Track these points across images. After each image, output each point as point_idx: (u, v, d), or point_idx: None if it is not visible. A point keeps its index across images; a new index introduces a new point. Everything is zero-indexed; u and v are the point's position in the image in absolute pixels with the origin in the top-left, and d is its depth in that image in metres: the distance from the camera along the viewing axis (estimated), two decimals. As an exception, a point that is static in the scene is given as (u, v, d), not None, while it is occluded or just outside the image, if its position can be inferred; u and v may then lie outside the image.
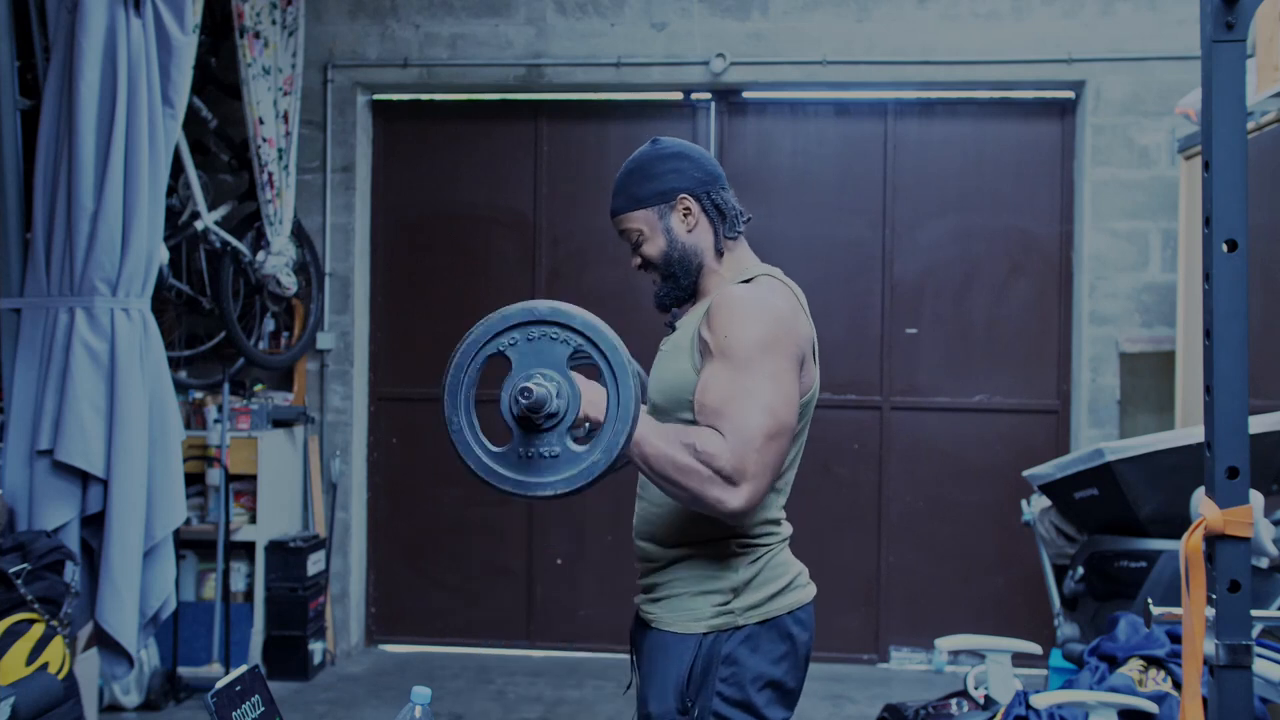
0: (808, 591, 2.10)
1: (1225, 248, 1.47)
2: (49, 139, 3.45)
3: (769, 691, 2.00)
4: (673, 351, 2.06)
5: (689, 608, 2.01)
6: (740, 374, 1.91)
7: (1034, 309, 5.57)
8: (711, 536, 2.01)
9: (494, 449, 1.73)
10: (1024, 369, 5.57)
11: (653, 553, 2.07)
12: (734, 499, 1.86)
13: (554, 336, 1.69)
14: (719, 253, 2.11)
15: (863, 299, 5.62)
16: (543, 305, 1.70)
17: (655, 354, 2.14)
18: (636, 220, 2.11)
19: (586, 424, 1.81)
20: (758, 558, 2.02)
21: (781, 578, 2.04)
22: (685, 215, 2.09)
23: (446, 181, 5.85)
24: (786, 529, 2.11)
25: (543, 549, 5.80)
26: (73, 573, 3.20)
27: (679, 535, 2.03)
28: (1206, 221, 1.49)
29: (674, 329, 2.12)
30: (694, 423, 1.96)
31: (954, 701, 3.06)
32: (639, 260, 2.14)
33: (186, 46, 3.68)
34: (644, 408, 2.12)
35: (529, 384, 1.67)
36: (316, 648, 5.35)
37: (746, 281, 2.04)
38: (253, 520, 5.24)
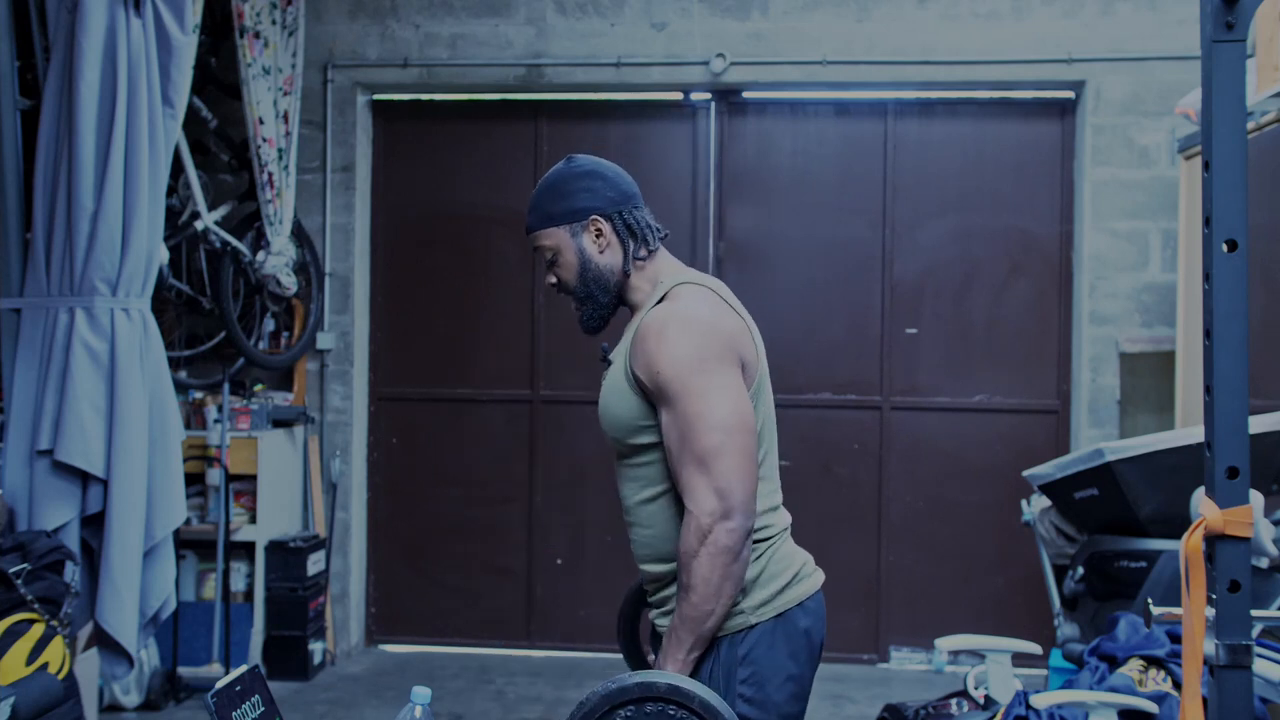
0: (815, 580, 2.10)
1: (1225, 248, 1.47)
2: (49, 139, 3.45)
3: (789, 686, 2.01)
4: (612, 387, 2.07)
5: None
6: (682, 403, 1.93)
7: (1034, 309, 5.57)
8: None
9: None
10: (1024, 369, 5.57)
11: (657, 571, 2.08)
12: (738, 520, 1.90)
13: (671, 714, 1.64)
14: (626, 273, 2.11)
15: (863, 299, 5.62)
16: (661, 681, 1.65)
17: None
18: (550, 238, 2.11)
19: None
20: (760, 554, 2.02)
21: (787, 570, 2.05)
22: (597, 235, 2.10)
23: (446, 181, 5.85)
24: (785, 518, 2.11)
25: (543, 549, 5.80)
26: (73, 573, 3.20)
27: (674, 549, 2.03)
28: (1206, 221, 1.49)
29: (608, 362, 2.12)
30: (645, 449, 2.01)
31: (954, 701, 3.06)
32: (553, 280, 2.15)
33: (186, 46, 3.68)
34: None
35: None
36: (316, 648, 5.34)
37: (662, 300, 2.04)
38: (253, 520, 5.24)
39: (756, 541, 2.02)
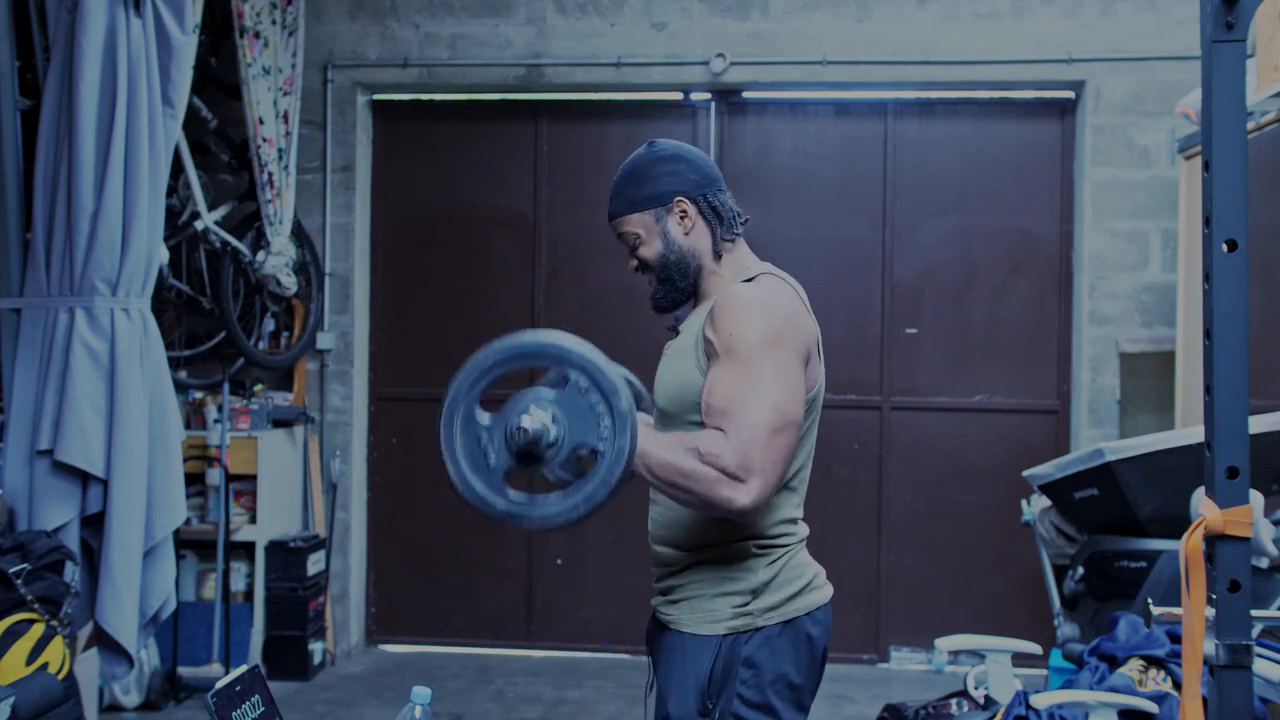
0: (825, 592, 2.09)
1: (1225, 248, 1.47)
2: (49, 139, 3.45)
3: (788, 693, 2.01)
4: (676, 355, 2.06)
5: (708, 609, 2.01)
6: (745, 372, 1.90)
7: (1034, 309, 5.57)
8: (730, 538, 2.01)
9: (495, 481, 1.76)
10: (1024, 369, 5.57)
11: (670, 556, 2.07)
12: (743, 496, 1.85)
13: (582, 386, 1.74)
14: (717, 255, 2.10)
15: (863, 299, 5.62)
16: (524, 339, 1.74)
17: (659, 357, 2.13)
18: (633, 224, 2.10)
19: (584, 449, 1.80)
20: (776, 559, 2.02)
21: (800, 578, 2.04)
22: (682, 218, 2.08)
23: (446, 181, 5.85)
24: (803, 529, 2.11)
25: (543, 549, 5.80)
26: (73, 573, 3.20)
27: (697, 537, 2.03)
28: (1206, 221, 1.49)
29: (677, 332, 2.11)
30: (700, 425, 1.95)
31: (954, 701, 3.06)
32: (635, 263, 2.13)
33: (186, 46, 3.68)
34: (647, 418, 2.12)
35: (522, 422, 1.73)
36: (316, 648, 5.34)
37: (749, 280, 2.03)
38: (253, 520, 5.24)
39: (774, 548, 2.02)
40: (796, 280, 2.12)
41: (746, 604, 1.99)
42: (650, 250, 2.10)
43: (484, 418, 1.79)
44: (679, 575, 2.05)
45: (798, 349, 1.97)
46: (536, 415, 1.75)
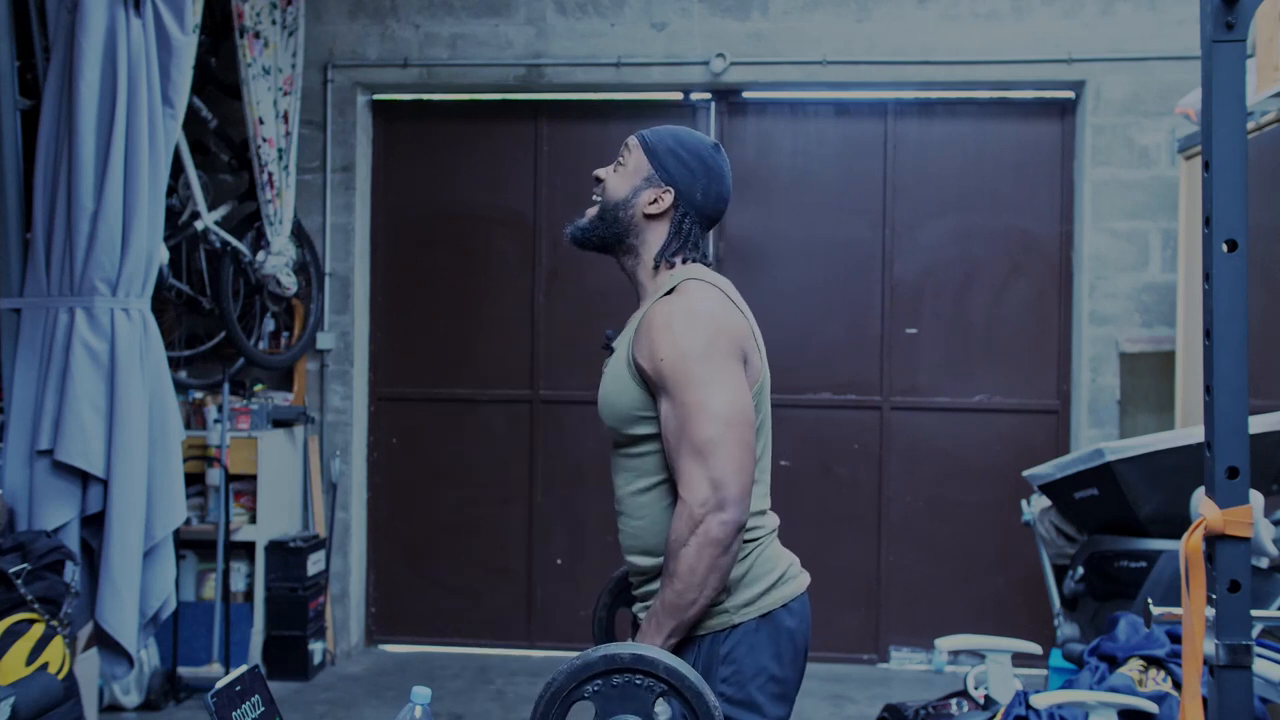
0: (800, 582, 2.09)
1: (1225, 248, 1.47)
2: (49, 139, 3.45)
3: (771, 687, 2.00)
4: (612, 372, 2.07)
5: None
6: (683, 393, 1.93)
7: (1034, 309, 5.57)
8: None
9: None
10: (1024, 369, 5.57)
11: (643, 564, 2.07)
12: (730, 513, 1.89)
13: (638, 683, 1.64)
14: (656, 264, 2.10)
15: (863, 299, 5.62)
16: (626, 652, 1.64)
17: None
18: (635, 156, 2.12)
19: None
20: (747, 554, 2.02)
21: (772, 571, 2.04)
22: (655, 201, 2.10)
23: (446, 181, 5.85)
24: (773, 520, 2.11)
25: (543, 549, 5.80)
26: (73, 573, 3.20)
27: (664, 542, 2.03)
28: (1206, 221, 1.49)
29: (612, 349, 2.11)
30: (642, 439, 2.01)
31: (954, 701, 3.06)
32: (601, 175, 2.16)
33: (186, 46, 3.68)
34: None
35: None
36: (316, 648, 5.35)
37: (669, 293, 2.04)
38: (253, 520, 5.24)
39: (744, 541, 2.02)
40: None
41: (722, 602, 1.99)
42: (617, 184, 2.12)
43: None
44: (653, 581, 2.05)
45: (729, 351, 1.97)
46: None
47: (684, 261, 2.10)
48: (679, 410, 1.93)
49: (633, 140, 2.14)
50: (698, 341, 1.94)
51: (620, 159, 2.15)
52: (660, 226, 2.11)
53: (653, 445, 2.01)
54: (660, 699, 1.64)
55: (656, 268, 2.11)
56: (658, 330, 1.96)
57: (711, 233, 5.65)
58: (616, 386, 2.04)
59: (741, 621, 1.99)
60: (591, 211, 2.16)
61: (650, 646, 1.71)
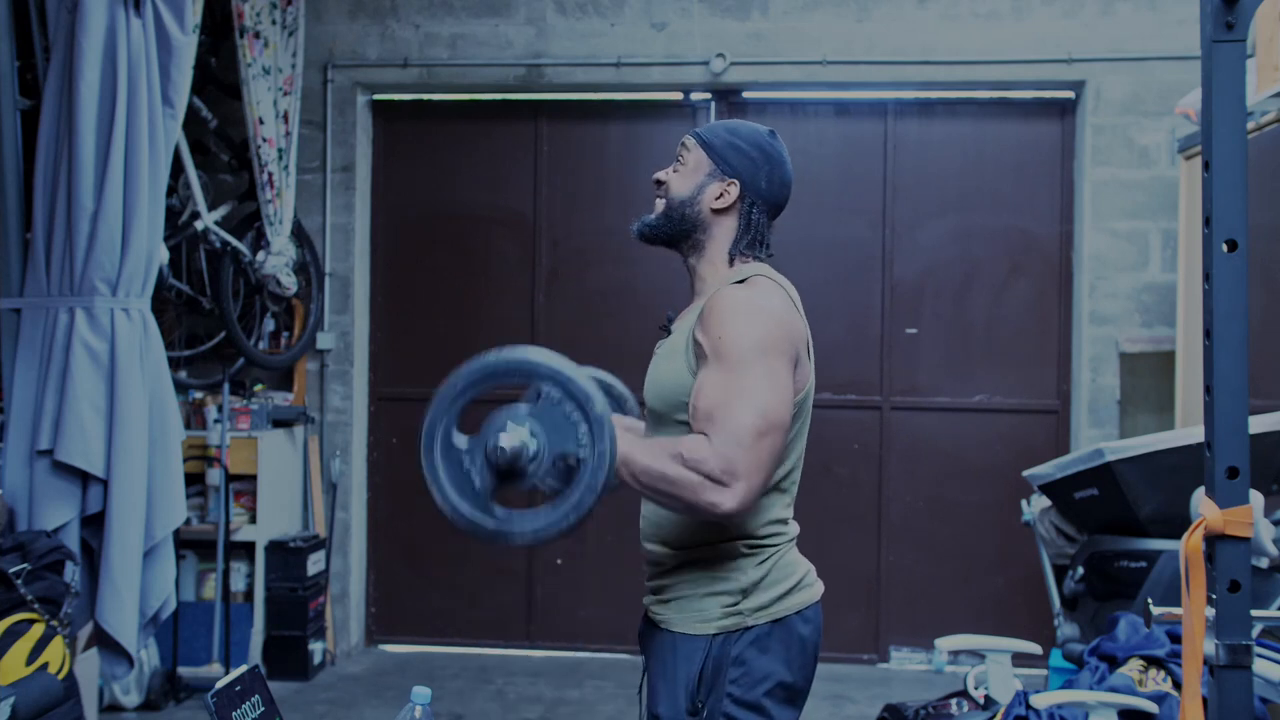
0: (815, 590, 2.09)
1: (1225, 248, 1.47)
2: (49, 139, 3.45)
3: (779, 692, 2.00)
4: (667, 355, 2.06)
5: (698, 609, 2.01)
6: (733, 375, 1.90)
7: (1034, 309, 5.57)
8: (720, 538, 2.01)
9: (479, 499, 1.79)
10: (1024, 369, 5.57)
11: (661, 555, 2.07)
12: (728, 500, 1.85)
13: (555, 396, 1.75)
14: (730, 257, 2.09)
15: (863, 299, 5.62)
16: (490, 359, 1.77)
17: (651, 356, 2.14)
18: (695, 152, 2.11)
19: (566, 459, 1.81)
20: (766, 558, 2.02)
21: (790, 578, 2.04)
22: (721, 195, 2.09)
23: (446, 181, 5.85)
24: (794, 528, 2.11)
25: (543, 549, 5.80)
26: (73, 573, 3.20)
27: (687, 537, 2.03)
28: (1206, 221, 1.49)
29: (669, 331, 2.11)
30: (683, 424, 1.97)
31: (954, 701, 3.06)
32: (662, 177, 2.14)
33: (186, 46, 3.68)
34: (634, 423, 2.13)
35: (500, 440, 1.76)
36: (316, 648, 5.34)
37: (740, 282, 2.03)
38: (253, 520, 5.24)
39: (763, 548, 2.02)
40: (796, 282, 2.12)
41: (736, 603, 1.99)
42: (680, 184, 2.11)
43: (462, 441, 1.81)
44: (669, 575, 2.05)
45: (786, 352, 1.96)
46: (514, 432, 1.78)
47: (754, 256, 2.10)
48: (722, 387, 1.89)
49: (689, 139, 2.13)
50: (758, 333, 1.93)
51: (679, 159, 2.13)
52: (728, 220, 2.10)
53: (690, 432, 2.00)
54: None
55: (731, 261, 2.09)
56: (725, 311, 1.95)
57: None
58: (670, 367, 2.03)
59: (755, 624, 1.99)
60: (659, 207, 2.13)
61: (512, 349, 1.86)
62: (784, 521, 2.07)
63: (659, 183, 2.14)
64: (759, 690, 1.98)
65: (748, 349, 1.91)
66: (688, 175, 2.11)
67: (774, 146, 2.13)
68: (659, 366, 2.07)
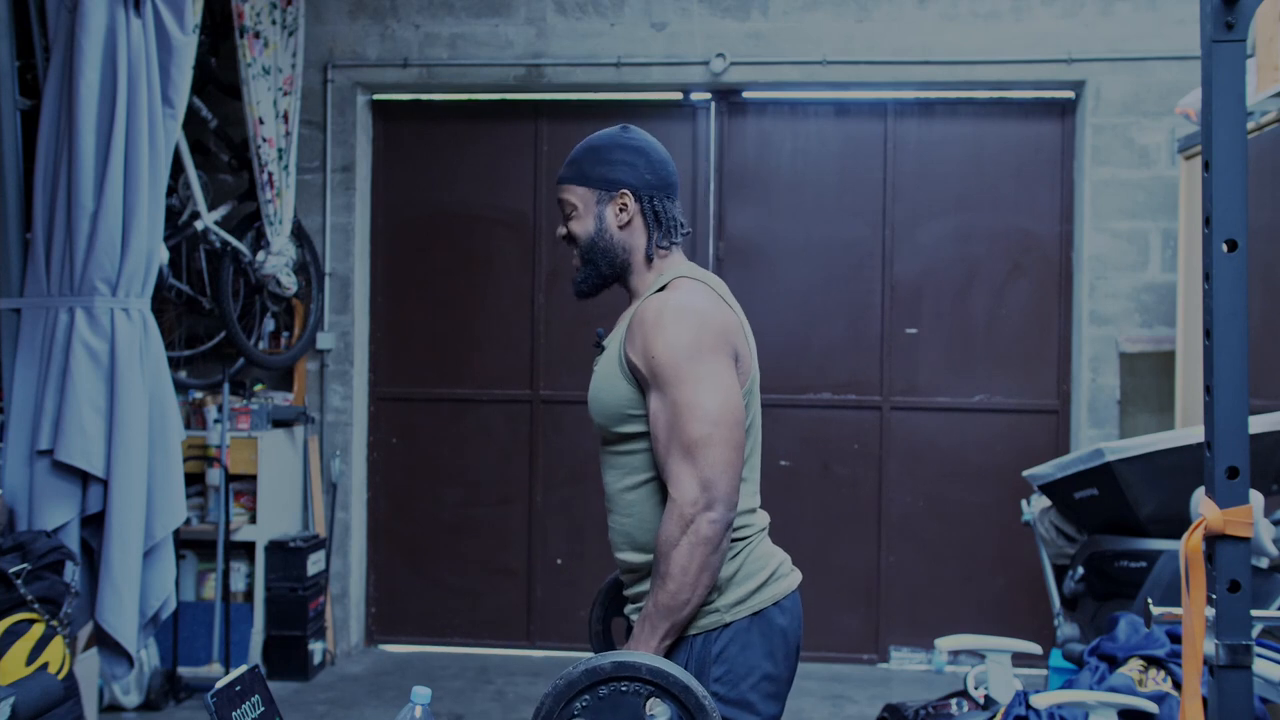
0: (791, 580, 2.10)
1: (1225, 248, 1.47)
2: (49, 139, 3.45)
3: (764, 685, 2.00)
4: (602, 370, 2.08)
5: None
6: (674, 390, 1.94)
7: (1034, 309, 5.57)
8: None
9: None
10: (1024, 369, 5.57)
11: (633, 562, 2.08)
12: (719, 512, 1.91)
13: (624, 689, 1.66)
14: (648, 259, 2.11)
15: (863, 299, 5.62)
16: (607, 662, 1.65)
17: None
18: (575, 195, 2.12)
19: None
20: (737, 553, 2.02)
21: (763, 570, 2.04)
22: (621, 210, 2.10)
23: (446, 181, 5.85)
24: (763, 519, 2.11)
25: (543, 549, 5.80)
26: (73, 573, 3.20)
27: (654, 540, 2.03)
28: (1206, 221, 1.49)
29: (602, 347, 2.12)
30: (631, 437, 2.01)
31: (954, 701, 3.06)
32: (564, 232, 2.15)
33: (186, 46, 3.68)
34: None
35: None
36: (316, 648, 5.34)
37: (661, 289, 2.05)
38: (253, 520, 5.24)
39: (734, 540, 2.02)
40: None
41: (713, 601, 1.99)
42: (581, 227, 2.12)
43: None
44: (644, 580, 2.05)
45: (719, 349, 1.98)
46: None
47: (671, 243, 2.12)
48: (669, 408, 1.94)
49: (561, 187, 2.14)
50: (688, 337, 1.95)
51: (565, 212, 2.14)
52: (637, 227, 2.11)
53: (642, 443, 2.02)
54: (652, 699, 1.64)
55: (650, 262, 2.11)
56: (650, 326, 1.97)
57: (710, 235, 5.70)
58: (607, 384, 2.05)
59: (733, 620, 1.99)
60: (577, 260, 2.15)
61: (632, 651, 1.72)
62: (751, 511, 2.08)
63: (566, 240, 2.15)
64: (744, 686, 1.98)
65: (680, 357, 1.94)
66: (584, 216, 2.11)
67: (633, 138, 2.14)
68: (596, 383, 2.09)
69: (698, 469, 1.90)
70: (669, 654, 1.97)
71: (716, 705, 1.93)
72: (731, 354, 2.00)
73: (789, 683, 2.08)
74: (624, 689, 1.64)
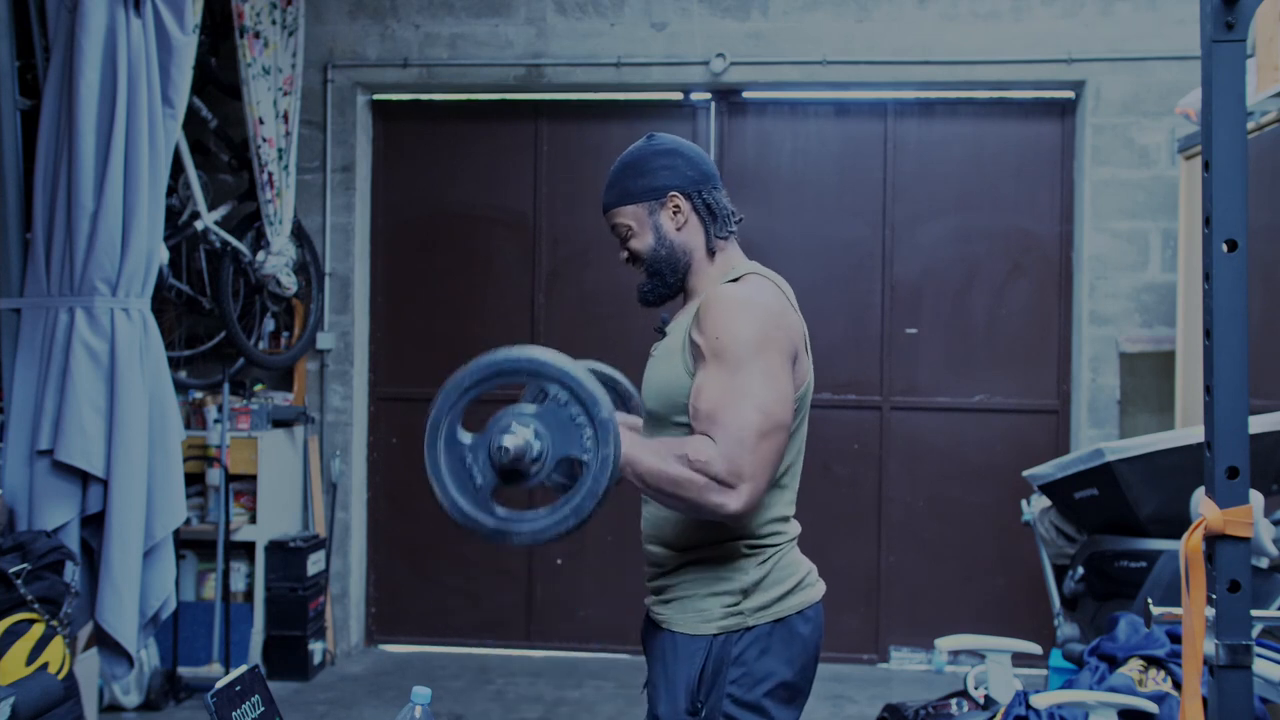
0: (816, 590, 2.10)
1: (1225, 248, 1.47)
2: (49, 139, 3.45)
3: (780, 692, 2.00)
4: (664, 356, 2.06)
5: (699, 609, 2.01)
6: (732, 375, 1.91)
7: (1034, 309, 5.57)
8: (721, 538, 2.01)
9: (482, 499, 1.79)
10: (1024, 369, 5.57)
11: (662, 556, 2.07)
12: (733, 501, 1.87)
13: (561, 399, 1.74)
14: (710, 252, 2.11)
15: (863, 299, 5.62)
16: (499, 356, 1.75)
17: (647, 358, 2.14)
18: (626, 215, 2.11)
19: (570, 461, 1.81)
20: (767, 558, 2.02)
21: (791, 577, 2.04)
22: (675, 213, 2.09)
23: (446, 181, 5.85)
24: (795, 528, 2.11)
25: (543, 549, 5.80)
26: (73, 573, 3.20)
27: (688, 537, 2.03)
28: (1206, 221, 1.49)
29: (664, 334, 2.12)
30: (681, 426, 1.98)
31: (954, 701, 3.06)
32: (627, 254, 2.15)
33: (186, 46, 3.68)
34: (635, 420, 2.13)
35: (504, 441, 1.74)
36: (316, 648, 5.34)
37: (734, 280, 2.04)
38: (253, 520, 5.24)
39: (764, 548, 2.02)
40: (787, 280, 2.12)
41: (737, 603, 1.99)
42: (642, 243, 2.11)
43: (466, 437, 1.80)
44: (670, 575, 2.05)
45: (784, 349, 1.97)
46: (519, 432, 1.76)
47: (729, 232, 2.11)
48: (722, 388, 1.90)
49: (609, 214, 2.14)
50: (757, 329, 1.94)
51: (621, 235, 2.13)
52: (693, 227, 2.11)
53: (689, 433, 2.00)
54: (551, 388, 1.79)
55: (712, 255, 2.11)
56: (721, 310, 1.96)
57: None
58: (667, 368, 2.03)
59: (755, 625, 1.99)
60: (643, 275, 2.14)
61: (519, 348, 1.83)
62: (785, 520, 2.07)
63: (629, 261, 2.15)
64: (759, 690, 1.98)
65: (745, 347, 1.92)
66: (639, 232, 2.11)
67: (663, 142, 2.14)
68: (656, 368, 2.07)
69: (734, 456, 1.86)
70: (684, 649, 1.98)
71: (730, 706, 1.94)
72: (792, 356, 1.99)
73: (806, 692, 2.07)
74: (560, 396, 1.78)
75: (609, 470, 1.76)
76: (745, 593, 1.99)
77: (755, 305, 1.97)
